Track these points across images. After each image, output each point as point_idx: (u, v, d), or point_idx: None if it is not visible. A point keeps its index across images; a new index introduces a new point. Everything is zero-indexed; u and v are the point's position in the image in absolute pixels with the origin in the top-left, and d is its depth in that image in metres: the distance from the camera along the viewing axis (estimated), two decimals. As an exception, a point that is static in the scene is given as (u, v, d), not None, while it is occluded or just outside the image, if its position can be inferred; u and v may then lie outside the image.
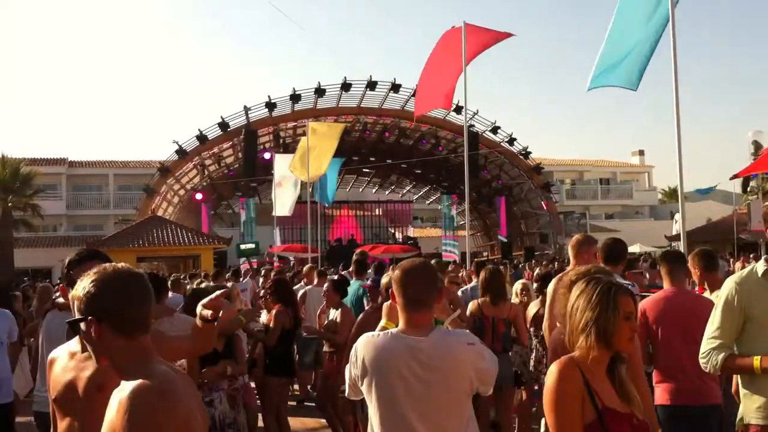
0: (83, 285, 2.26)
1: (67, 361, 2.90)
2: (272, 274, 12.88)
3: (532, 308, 7.77)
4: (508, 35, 11.47)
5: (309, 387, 10.95)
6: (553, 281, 5.89)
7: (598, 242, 5.75)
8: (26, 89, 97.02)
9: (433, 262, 6.66)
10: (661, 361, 4.96)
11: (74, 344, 2.94)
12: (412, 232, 45.61)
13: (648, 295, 5.65)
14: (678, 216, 38.68)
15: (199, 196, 37.63)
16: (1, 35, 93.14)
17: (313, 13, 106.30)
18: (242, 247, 20.74)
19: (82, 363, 2.82)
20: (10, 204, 34.71)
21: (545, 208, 41.23)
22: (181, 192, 40.14)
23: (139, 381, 2.10)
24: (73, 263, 3.04)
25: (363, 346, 3.13)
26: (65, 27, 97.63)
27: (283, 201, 24.77)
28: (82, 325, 2.24)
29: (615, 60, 8.30)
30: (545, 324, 5.77)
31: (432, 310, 3.19)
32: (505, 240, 40.94)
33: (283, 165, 24.22)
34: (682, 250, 6.96)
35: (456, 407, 3.07)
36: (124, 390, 2.09)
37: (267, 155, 32.56)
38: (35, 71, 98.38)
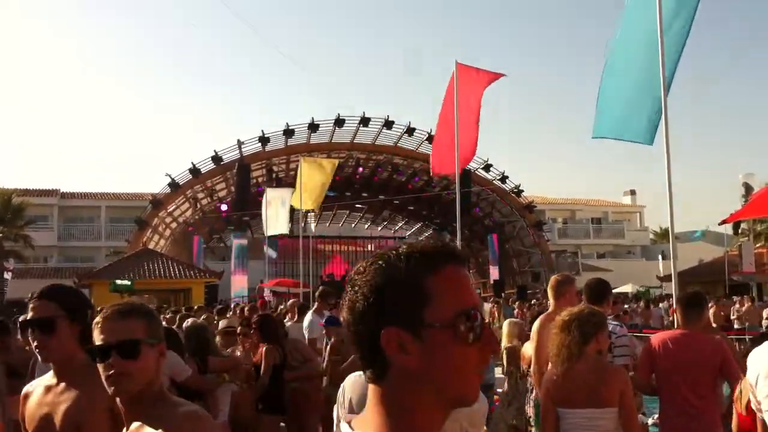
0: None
1: (42, 395, 2.87)
2: (246, 310, 12.70)
3: (528, 348, 7.70)
4: (499, 76, 11.55)
5: None
6: (538, 322, 5.87)
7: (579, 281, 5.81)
8: (19, 120, 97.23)
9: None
10: (666, 400, 5.06)
11: (49, 377, 2.91)
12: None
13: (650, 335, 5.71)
14: (661, 257, 38.75)
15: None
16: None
17: (308, 50, 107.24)
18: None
19: (58, 398, 2.79)
20: (1, 235, 34.62)
21: (537, 246, 41.27)
22: (173, 225, 40.09)
23: (183, 409, 2.21)
24: (29, 300, 2.99)
25: (350, 386, 3.10)
26: (59, 59, 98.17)
27: (274, 220, 24.78)
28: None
29: (618, 107, 8.10)
30: (533, 366, 5.73)
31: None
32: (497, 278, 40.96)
33: (273, 195, 24.24)
34: (674, 291, 6.95)
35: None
36: (169, 420, 2.15)
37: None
38: (28, 102, 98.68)
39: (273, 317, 8.37)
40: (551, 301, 5.94)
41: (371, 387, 1.35)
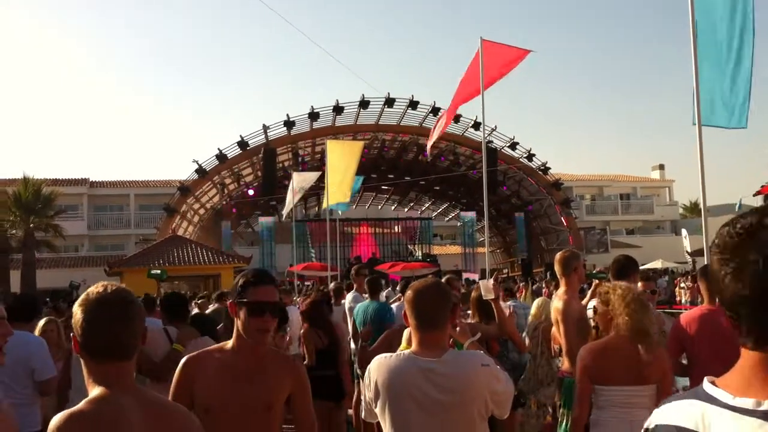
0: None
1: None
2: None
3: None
4: (527, 53, 11.33)
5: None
6: (560, 303, 5.71)
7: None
8: (48, 110, 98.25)
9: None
10: (696, 379, 4.93)
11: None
12: (431, 249, 45.46)
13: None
14: (686, 232, 38.23)
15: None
16: (25, 57, 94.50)
17: (332, 31, 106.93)
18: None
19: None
20: (32, 225, 34.98)
21: (565, 224, 41.03)
22: (201, 211, 40.34)
23: (72, 408, 2.11)
24: (248, 285, 3.13)
25: (376, 368, 3.08)
26: (87, 49, 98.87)
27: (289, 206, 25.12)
28: None
29: (717, 92, 7.77)
30: (565, 346, 5.64)
31: (445, 331, 3.15)
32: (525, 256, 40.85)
33: (300, 181, 24.29)
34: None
35: (470, 430, 3.01)
36: None
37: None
38: (57, 92, 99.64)
39: (319, 302, 8.15)
40: (561, 279, 5.80)
41: None
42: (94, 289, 2.27)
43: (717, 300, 4.75)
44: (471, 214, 44.65)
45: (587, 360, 4.30)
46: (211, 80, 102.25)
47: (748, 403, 1.22)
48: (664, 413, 1.35)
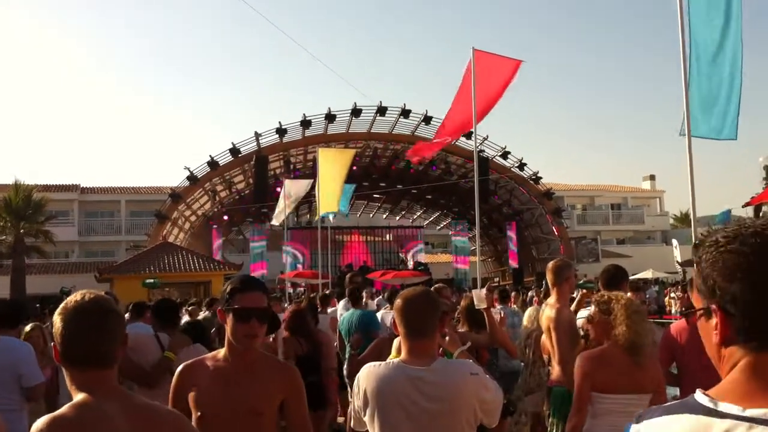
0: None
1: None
2: None
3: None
4: (518, 63, 11.35)
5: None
6: (552, 312, 5.70)
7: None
8: (39, 116, 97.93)
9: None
10: (687, 389, 4.93)
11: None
12: (422, 257, 45.38)
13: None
14: (676, 242, 38.36)
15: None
16: (16, 63, 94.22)
17: (322, 39, 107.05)
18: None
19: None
20: (22, 231, 34.84)
21: (556, 233, 41.08)
22: (192, 218, 40.21)
23: (55, 413, 2.14)
24: (236, 291, 3.17)
25: (365, 377, 3.09)
26: (87, 49, 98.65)
27: (283, 212, 25.12)
28: None
29: (705, 104, 7.78)
30: (557, 357, 5.63)
31: (434, 339, 3.14)
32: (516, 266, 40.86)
33: (292, 188, 24.25)
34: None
35: (459, 438, 3.00)
36: None
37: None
38: (48, 98, 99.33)
39: (300, 311, 8.16)
40: (552, 288, 5.79)
41: None
42: (73, 297, 2.28)
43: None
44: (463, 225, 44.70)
45: (587, 368, 4.28)
46: (210, 80, 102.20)
47: (765, 413, 1.15)
48: (655, 429, 1.27)
